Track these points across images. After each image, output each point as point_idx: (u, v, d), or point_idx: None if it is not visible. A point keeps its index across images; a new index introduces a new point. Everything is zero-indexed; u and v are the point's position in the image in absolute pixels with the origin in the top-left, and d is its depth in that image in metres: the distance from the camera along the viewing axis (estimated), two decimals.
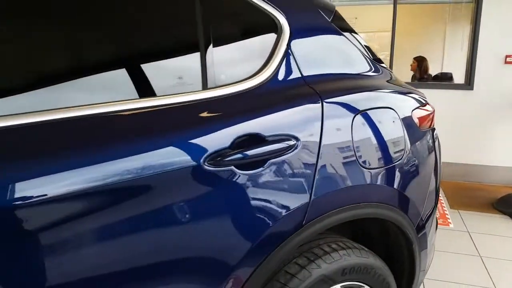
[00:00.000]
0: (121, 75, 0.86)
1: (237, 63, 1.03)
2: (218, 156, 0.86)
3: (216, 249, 0.88)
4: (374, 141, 1.17)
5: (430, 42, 6.25)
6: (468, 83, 4.12)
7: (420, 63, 5.31)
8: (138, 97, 0.85)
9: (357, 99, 1.16)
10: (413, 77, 5.08)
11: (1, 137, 0.70)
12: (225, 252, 0.89)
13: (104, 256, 0.75)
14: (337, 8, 1.38)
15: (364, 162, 1.14)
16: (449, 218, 3.23)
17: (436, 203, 1.58)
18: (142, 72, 0.89)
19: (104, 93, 0.82)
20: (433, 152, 1.50)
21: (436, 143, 1.56)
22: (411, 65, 5.25)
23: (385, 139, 1.21)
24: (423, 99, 1.51)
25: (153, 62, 0.91)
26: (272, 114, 0.97)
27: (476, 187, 4.06)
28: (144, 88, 0.87)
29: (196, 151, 0.83)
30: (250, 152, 0.90)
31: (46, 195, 0.68)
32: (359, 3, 4.73)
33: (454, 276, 2.34)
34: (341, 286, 1.16)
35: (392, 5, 4.42)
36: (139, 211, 0.78)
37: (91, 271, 0.74)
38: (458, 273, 2.37)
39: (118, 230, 0.76)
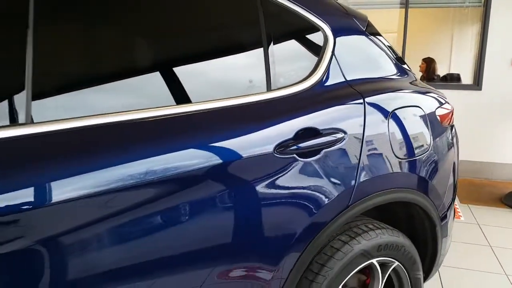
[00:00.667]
0: (214, 79, 1.05)
1: (292, 69, 1.21)
2: (285, 146, 1.05)
3: (282, 225, 1.06)
4: (405, 134, 1.35)
5: (438, 44, 6.41)
6: (477, 84, 4.29)
7: (428, 64, 5.48)
8: (227, 96, 1.03)
9: (391, 98, 1.34)
10: (422, 78, 5.25)
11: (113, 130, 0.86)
12: (288, 228, 1.07)
13: (190, 232, 0.91)
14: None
15: (398, 153, 1.32)
16: (459, 212, 3.40)
17: (454, 196, 1.76)
18: (229, 77, 1.07)
19: (200, 94, 1.00)
20: (453, 147, 1.67)
21: (455, 139, 1.73)
22: (419, 66, 5.41)
23: (414, 133, 1.39)
24: (443, 99, 1.69)
25: (233, 70, 1.09)
26: (324, 111, 1.16)
27: (485, 183, 4.23)
28: (230, 89, 1.05)
29: (269, 141, 1.02)
30: (309, 143, 1.09)
31: (155, 174, 0.86)
32: (372, 7, 4.89)
33: (467, 263, 2.51)
34: (376, 261, 1.34)
35: (401, 9, 4.59)
36: (230, 188, 0.96)
37: (173, 245, 0.90)
38: (471, 261, 2.55)
39: (209, 204, 0.94)
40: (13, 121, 0.77)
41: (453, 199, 1.75)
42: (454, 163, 1.70)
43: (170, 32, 1.03)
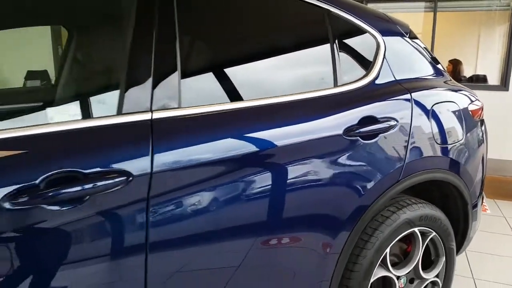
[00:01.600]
0: (297, 78, 1.35)
1: (352, 69, 1.49)
2: (351, 129, 1.33)
3: (348, 194, 1.35)
4: (443, 124, 1.62)
5: (464, 46, 6.57)
6: (504, 85, 4.47)
7: (455, 66, 5.66)
8: (307, 90, 1.33)
9: (432, 94, 1.62)
10: None
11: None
12: (353, 195, 1.36)
13: (278, 199, 1.21)
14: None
15: (437, 139, 1.59)
16: (486, 205, 3.61)
17: (483, 187, 2.00)
18: (307, 76, 1.37)
19: (290, 88, 1.30)
20: (483, 140, 1.92)
21: (485, 134, 1.98)
22: (446, 67, 5.60)
23: (451, 124, 1.66)
24: (474, 96, 1.94)
25: (310, 70, 1.39)
26: (380, 103, 1.44)
27: (510, 180, 4.41)
28: (308, 85, 1.35)
29: (340, 125, 1.31)
30: (369, 128, 1.37)
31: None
32: (398, 10, 5.12)
33: (493, 250, 2.74)
34: (417, 229, 1.61)
35: (426, 13, 4.81)
36: (310, 162, 1.25)
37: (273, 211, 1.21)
38: (498, 248, 2.78)
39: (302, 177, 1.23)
40: (169, 105, 1.08)
41: (482, 189, 2.00)
42: (483, 155, 1.95)
43: (275, 46, 1.34)
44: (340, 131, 1.31)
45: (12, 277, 0.90)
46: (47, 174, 0.90)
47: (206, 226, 1.10)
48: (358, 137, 1.35)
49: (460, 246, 1.92)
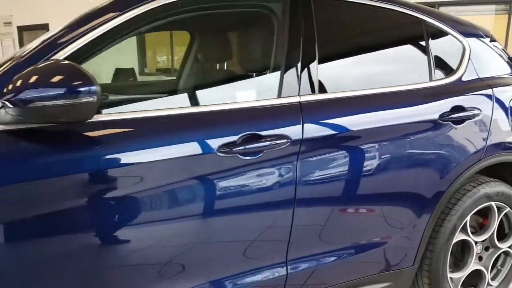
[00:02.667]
0: (401, 73, 1.72)
1: (443, 67, 1.84)
2: (445, 115, 1.68)
3: (440, 168, 1.69)
4: None
5: None
6: None
7: None
8: (408, 83, 1.70)
9: (510, 90, 1.92)
10: None
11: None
12: (444, 169, 1.70)
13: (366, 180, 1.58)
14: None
15: None
16: None
17: None
18: (408, 71, 1.74)
19: (396, 81, 1.68)
20: None
21: None
22: None
23: None
24: None
25: (411, 67, 1.76)
26: (467, 96, 1.77)
27: None
28: (410, 78, 1.71)
29: (436, 111, 1.66)
30: (458, 115, 1.72)
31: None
32: (472, 13, 5.27)
33: None
34: (494, 204, 1.92)
35: (498, 15, 4.92)
36: (408, 142, 1.62)
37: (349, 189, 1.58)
38: None
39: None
40: (311, 91, 1.50)
41: None
42: None
43: (384, 47, 1.74)
44: (437, 116, 1.67)
45: (212, 207, 1.34)
46: (241, 134, 1.34)
47: (338, 185, 1.51)
48: (450, 122, 1.70)
49: None
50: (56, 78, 1.06)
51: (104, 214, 1.22)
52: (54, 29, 1.32)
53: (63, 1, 9.08)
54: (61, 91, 1.06)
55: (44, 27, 9.37)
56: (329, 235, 1.57)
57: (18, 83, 1.07)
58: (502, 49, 2.14)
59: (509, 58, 2.15)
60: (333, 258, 1.60)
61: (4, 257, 1.14)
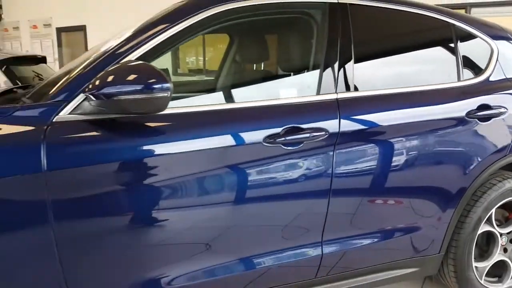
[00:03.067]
0: (433, 74, 1.86)
1: (471, 68, 1.96)
2: (471, 113, 1.81)
3: (468, 161, 1.82)
4: None
5: None
6: None
7: None
8: (437, 83, 1.83)
9: None
10: None
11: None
12: (470, 163, 1.83)
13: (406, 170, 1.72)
14: None
15: None
16: None
17: None
18: (438, 72, 1.88)
19: (427, 80, 1.82)
20: None
21: None
22: None
23: None
24: None
25: (441, 68, 1.89)
26: (493, 95, 1.89)
27: None
28: (439, 78, 1.85)
29: (463, 109, 1.79)
30: (485, 112, 1.83)
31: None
32: (507, 14, 5.27)
33: None
34: None
35: None
36: (439, 135, 1.75)
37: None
38: None
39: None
40: (347, 89, 1.66)
41: None
42: None
43: (417, 50, 1.88)
44: (463, 114, 1.79)
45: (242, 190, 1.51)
46: (284, 127, 1.51)
47: (370, 174, 1.66)
48: (476, 119, 1.82)
49: None
50: (134, 76, 1.26)
51: (173, 191, 1.41)
52: (123, 36, 1.53)
53: (99, 5, 9.50)
54: (139, 87, 1.26)
55: (82, 29, 9.82)
56: (360, 220, 1.72)
57: (102, 80, 1.28)
58: None
59: None
60: (364, 242, 1.75)
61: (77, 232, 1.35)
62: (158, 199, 1.41)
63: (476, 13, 5.42)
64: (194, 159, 1.42)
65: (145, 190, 1.39)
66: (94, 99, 1.29)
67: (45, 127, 1.30)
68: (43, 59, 4.69)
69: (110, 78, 1.26)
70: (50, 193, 1.28)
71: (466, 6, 5.70)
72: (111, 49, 1.45)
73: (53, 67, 8.60)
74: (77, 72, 1.42)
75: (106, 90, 1.26)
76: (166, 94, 1.27)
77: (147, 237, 1.43)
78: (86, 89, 1.32)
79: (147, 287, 1.47)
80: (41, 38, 10.70)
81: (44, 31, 10.73)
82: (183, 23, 1.49)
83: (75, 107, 1.35)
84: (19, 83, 3.94)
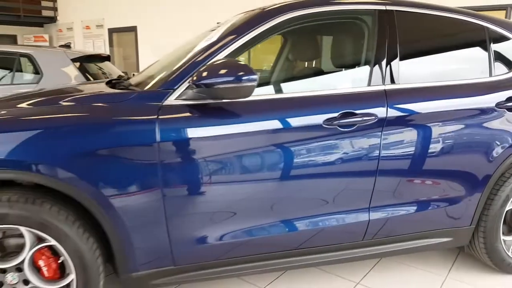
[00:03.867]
0: (467, 71, 2.17)
1: (502, 65, 2.24)
2: (500, 103, 2.10)
3: (496, 146, 2.11)
4: None
5: None
6: None
7: None
8: (473, 77, 2.14)
9: None
10: None
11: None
12: (499, 146, 2.12)
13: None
14: None
15: None
16: None
17: None
18: (472, 69, 2.18)
19: (462, 75, 2.13)
20: None
21: None
22: None
23: None
24: None
25: (475, 66, 2.20)
26: None
27: None
28: (474, 75, 2.15)
29: (493, 100, 2.08)
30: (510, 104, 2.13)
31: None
32: None
33: None
34: None
35: None
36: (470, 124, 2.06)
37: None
38: None
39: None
40: (393, 81, 1.99)
41: None
42: None
43: (456, 49, 2.20)
44: (493, 104, 2.09)
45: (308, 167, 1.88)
46: (340, 112, 1.87)
47: (408, 156, 1.99)
48: (505, 109, 2.11)
49: None
50: (227, 70, 1.65)
51: (254, 160, 1.81)
52: (213, 38, 1.93)
53: (149, 7, 10.11)
54: (231, 78, 1.65)
55: (133, 30, 10.47)
56: (402, 192, 2.06)
57: (203, 72, 1.68)
58: None
59: None
60: (405, 212, 2.08)
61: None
62: (241, 165, 1.80)
63: None
64: (269, 137, 1.80)
65: (231, 158, 1.78)
66: (195, 87, 1.69)
67: (158, 108, 1.71)
68: (107, 58, 5.24)
69: (209, 71, 1.66)
70: (160, 157, 1.69)
71: (506, 7, 5.82)
72: (205, 49, 1.85)
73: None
74: (179, 67, 1.83)
75: (206, 81, 1.66)
76: (252, 84, 1.66)
77: (227, 193, 1.82)
78: (190, 80, 1.72)
79: (227, 233, 1.85)
80: (93, 38, 11.47)
81: (96, 32, 11.49)
82: (261, 27, 1.88)
83: (179, 94, 1.75)
84: (91, 78, 4.48)
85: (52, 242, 1.65)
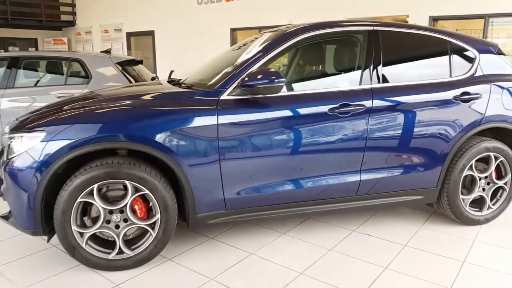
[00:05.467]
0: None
1: (459, 68, 3.05)
2: (456, 97, 2.92)
3: (454, 127, 2.93)
4: (510, 98, 3.08)
5: None
6: None
7: None
8: (437, 78, 2.96)
9: (505, 82, 3.08)
10: None
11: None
12: (456, 128, 2.94)
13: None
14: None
15: (505, 106, 3.06)
16: None
17: None
18: (437, 71, 3.01)
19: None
20: None
21: None
22: None
23: None
24: None
25: (438, 70, 3.02)
26: (474, 86, 2.98)
27: None
28: (437, 75, 2.98)
29: (451, 94, 2.90)
30: (465, 97, 2.94)
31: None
32: None
33: None
34: (492, 154, 3.09)
35: None
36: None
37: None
38: None
39: None
40: (377, 82, 2.82)
41: None
42: None
43: (424, 58, 3.02)
44: (451, 97, 2.91)
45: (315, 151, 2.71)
46: (339, 103, 2.70)
47: (388, 134, 2.81)
48: (460, 101, 2.93)
49: None
50: (264, 75, 2.49)
51: (284, 137, 2.64)
52: (251, 52, 2.77)
53: (166, 12, 10.92)
54: (266, 80, 2.48)
55: (151, 34, 11.28)
56: (385, 160, 2.87)
57: (247, 77, 2.51)
58: (506, 58, 3.29)
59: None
60: (387, 174, 2.90)
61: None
62: (271, 140, 2.62)
63: (494, 22, 6.32)
64: (290, 120, 2.64)
65: (265, 134, 2.60)
66: (241, 87, 2.52)
67: (217, 102, 2.54)
68: (141, 61, 6.07)
69: (251, 77, 2.50)
70: (218, 136, 2.52)
71: (485, 17, 6.59)
72: (246, 60, 2.69)
73: None
74: (229, 73, 2.66)
75: (250, 82, 2.49)
76: (281, 84, 2.49)
77: (261, 159, 2.64)
78: (239, 82, 2.55)
79: (261, 187, 2.68)
80: (112, 42, 12.29)
81: (115, 35, 12.31)
82: (284, 45, 2.72)
83: (230, 91, 2.58)
84: (132, 80, 5.31)
85: (146, 191, 2.47)
